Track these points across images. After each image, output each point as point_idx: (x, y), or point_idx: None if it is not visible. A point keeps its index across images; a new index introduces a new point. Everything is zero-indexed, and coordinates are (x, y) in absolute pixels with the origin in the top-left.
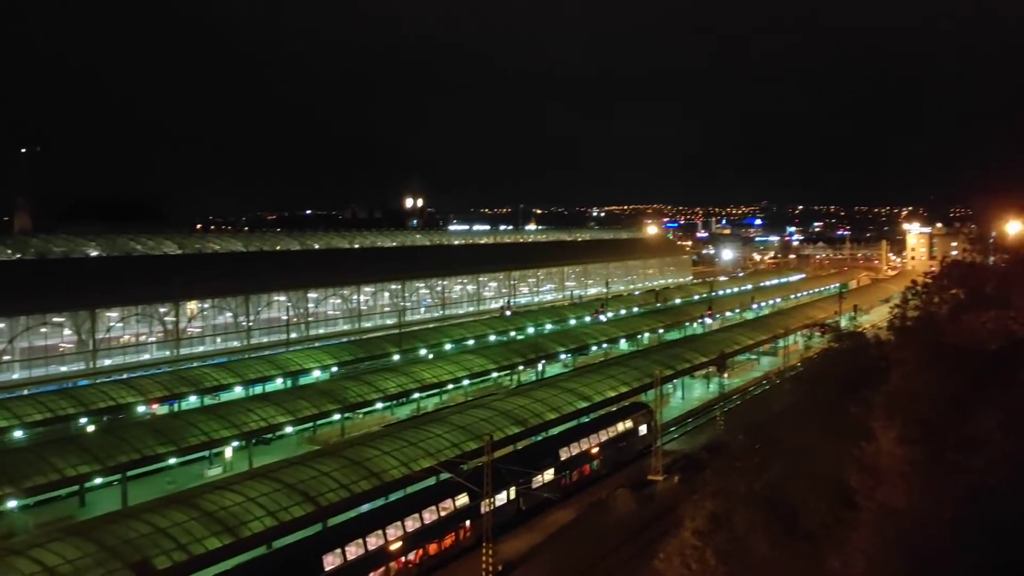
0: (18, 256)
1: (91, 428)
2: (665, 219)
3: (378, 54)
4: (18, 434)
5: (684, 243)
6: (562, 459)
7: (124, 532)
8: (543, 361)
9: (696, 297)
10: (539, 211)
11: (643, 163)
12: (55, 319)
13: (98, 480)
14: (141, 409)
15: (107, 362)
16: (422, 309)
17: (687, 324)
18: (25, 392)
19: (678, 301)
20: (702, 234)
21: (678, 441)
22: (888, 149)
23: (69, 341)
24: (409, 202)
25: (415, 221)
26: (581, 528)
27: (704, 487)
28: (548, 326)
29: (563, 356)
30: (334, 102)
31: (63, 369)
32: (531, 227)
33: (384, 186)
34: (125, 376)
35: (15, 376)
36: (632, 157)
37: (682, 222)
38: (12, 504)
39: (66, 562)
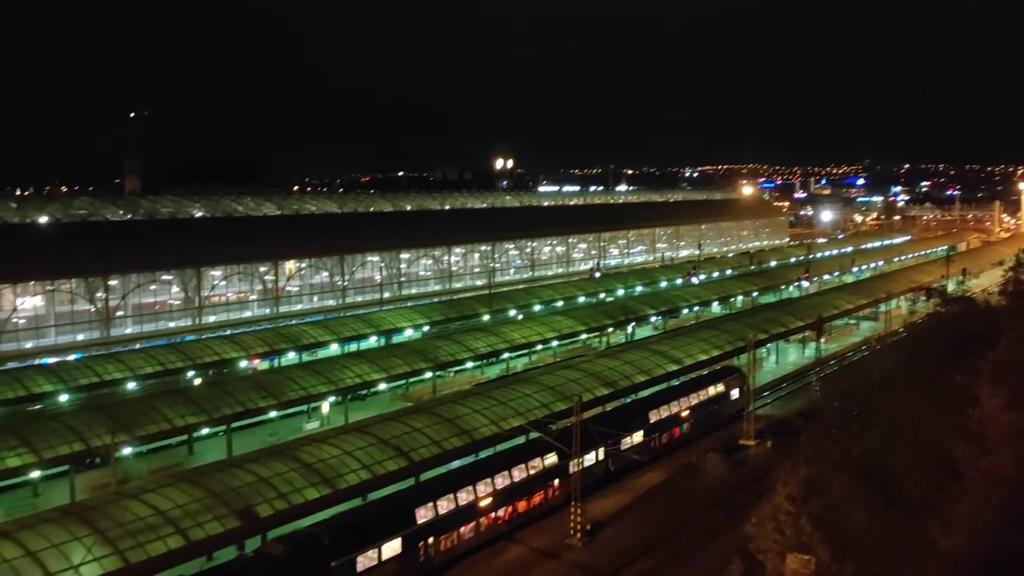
0: (129, 216)
1: (198, 381)
2: (761, 179)
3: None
4: (131, 385)
5: (781, 204)
6: (651, 421)
7: (229, 480)
8: (632, 323)
9: (792, 260)
10: (630, 172)
11: (738, 120)
12: (164, 277)
13: (205, 430)
14: (243, 364)
15: (211, 318)
16: (511, 270)
17: (783, 287)
18: (137, 346)
19: (773, 264)
20: (800, 195)
21: (771, 406)
22: (1003, 103)
23: (176, 298)
24: (499, 163)
25: (505, 182)
26: (670, 490)
27: (798, 453)
28: (638, 288)
29: (653, 319)
30: (425, 67)
31: (171, 325)
32: (622, 188)
33: (475, 148)
34: (228, 332)
35: (128, 331)
36: (726, 114)
37: (779, 182)
38: (128, 451)
39: (177, 507)
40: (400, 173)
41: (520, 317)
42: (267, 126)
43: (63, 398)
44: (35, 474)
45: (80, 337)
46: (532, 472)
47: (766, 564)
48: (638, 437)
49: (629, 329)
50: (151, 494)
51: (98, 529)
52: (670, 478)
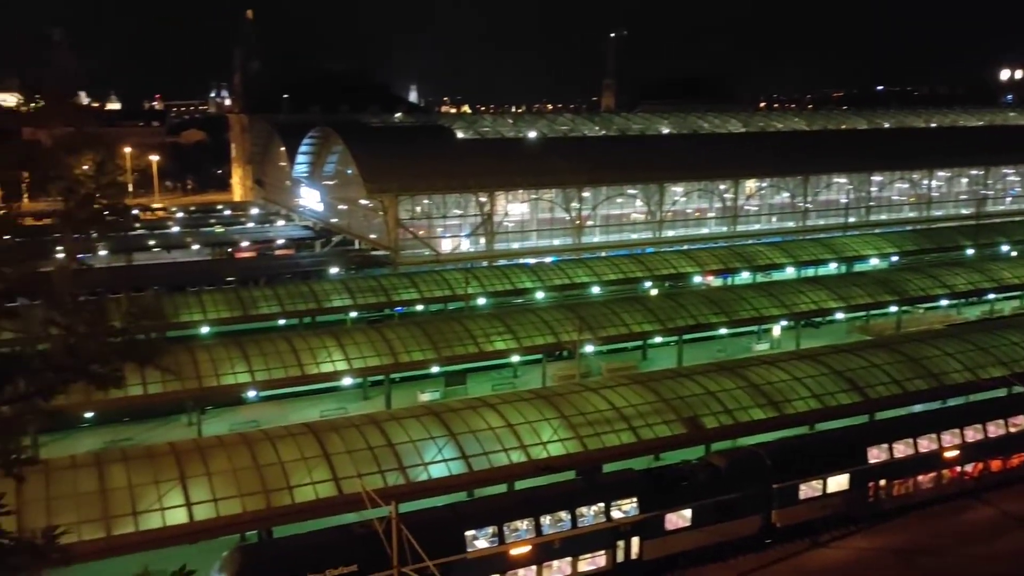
0: (603, 132)
1: (654, 292)
2: None
3: None
4: (595, 290)
5: None
6: None
7: (678, 388)
8: None
9: None
10: None
11: None
12: (629, 191)
13: (658, 339)
14: (697, 279)
15: (670, 233)
16: (1008, 199)
17: None
18: (603, 254)
19: None
20: None
21: None
22: None
23: (639, 211)
24: (1004, 73)
25: (1010, 96)
26: None
27: None
28: None
29: None
30: None
31: (633, 236)
32: None
33: (972, 58)
34: (685, 247)
35: (595, 239)
36: None
37: None
38: (590, 349)
39: (630, 405)
40: (879, 87)
41: (1013, 253)
42: (739, 41)
43: (539, 295)
44: (515, 358)
45: (556, 242)
46: (1012, 429)
47: None
48: None
49: None
50: (608, 390)
51: (563, 414)
52: None
